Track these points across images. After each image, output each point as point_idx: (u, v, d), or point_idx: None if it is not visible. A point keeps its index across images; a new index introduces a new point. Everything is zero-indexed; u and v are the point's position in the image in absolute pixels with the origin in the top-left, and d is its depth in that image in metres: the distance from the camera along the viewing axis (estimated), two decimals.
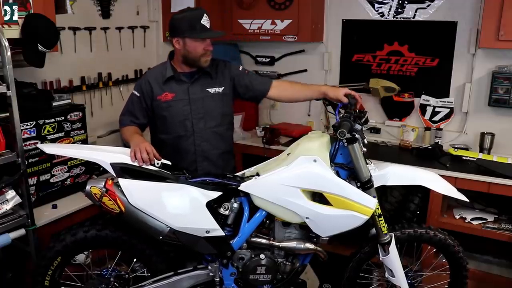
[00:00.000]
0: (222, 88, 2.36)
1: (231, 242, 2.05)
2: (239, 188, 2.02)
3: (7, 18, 2.08)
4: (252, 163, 2.26)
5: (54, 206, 2.37)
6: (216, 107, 2.35)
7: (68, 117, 2.48)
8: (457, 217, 2.94)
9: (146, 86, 2.32)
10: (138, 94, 2.33)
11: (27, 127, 2.26)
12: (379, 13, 3.41)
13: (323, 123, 3.73)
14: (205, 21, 2.19)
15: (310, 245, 2.07)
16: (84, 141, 2.58)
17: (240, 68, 2.44)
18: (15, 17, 2.11)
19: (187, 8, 2.40)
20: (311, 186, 1.95)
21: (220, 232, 1.99)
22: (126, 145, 3.16)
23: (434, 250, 2.35)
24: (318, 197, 1.96)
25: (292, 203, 1.95)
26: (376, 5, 3.40)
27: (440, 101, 3.32)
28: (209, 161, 2.36)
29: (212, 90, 2.34)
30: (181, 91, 2.31)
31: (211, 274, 2.11)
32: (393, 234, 2.12)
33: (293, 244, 2.07)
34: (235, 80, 2.40)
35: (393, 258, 2.11)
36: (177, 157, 2.28)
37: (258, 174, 2.09)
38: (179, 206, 1.95)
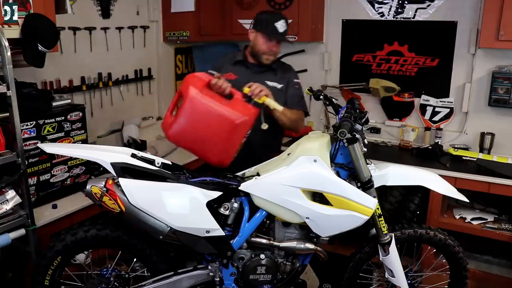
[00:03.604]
0: (281, 85, 2.47)
1: (231, 242, 2.05)
2: (239, 188, 2.02)
3: (7, 18, 2.08)
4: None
5: (54, 206, 2.36)
6: None
7: (68, 117, 2.47)
8: (457, 217, 2.94)
9: (219, 63, 2.56)
10: (213, 73, 2.34)
11: (27, 127, 2.26)
12: (379, 13, 3.41)
13: (323, 123, 3.74)
14: (280, 25, 2.37)
15: (310, 245, 2.07)
16: (84, 141, 2.58)
17: (295, 80, 2.55)
18: (15, 17, 2.10)
19: (273, 10, 2.67)
20: (311, 186, 1.95)
21: (220, 232, 1.99)
22: (126, 144, 3.19)
23: (434, 250, 2.35)
24: (318, 197, 1.96)
25: (292, 203, 1.95)
26: (376, 5, 3.41)
27: (440, 101, 3.33)
28: (246, 149, 2.22)
29: (270, 84, 2.42)
30: (243, 76, 2.44)
31: (211, 274, 2.11)
32: (393, 234, 2.12)
33: (293, 244, 2.07)
34: (287, 85, 2.50)
35: (393, 258, 2.11)
36: None
37: (258, 174, 2.09)
38: (180, 206, 1.94)
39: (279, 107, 2.17)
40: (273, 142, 2.54)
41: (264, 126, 2.18)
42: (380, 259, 2.15)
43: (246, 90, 2.14)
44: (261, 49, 2.43)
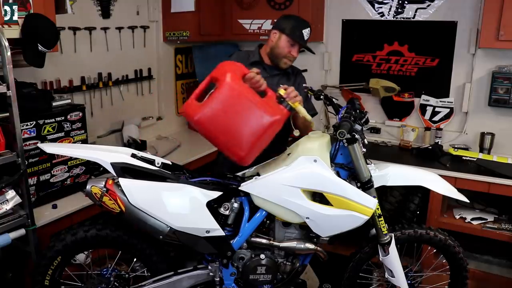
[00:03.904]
0: None
1: (231, 242, 2.05)
2: (239, 188, 2.02)
3: (7, 18, 2.08)
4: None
5: (54, 206, 2.36)
6: None
7: (68, 117, 2.47)
8: (457, 217, 2.94)
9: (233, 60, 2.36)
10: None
11: (27, 127, 2.26)
12: (379, 13, 3.41)
13: (323, 123, 3.74)
14: (306, 33, 2.40)
15: (310, 245, 2.07)
16: (84, 141, 2.58)
17: (304, 84, 2.51)
18: (15, 17, 2.10)
19: (299, 17, 2.56)
20: (311, 186, 1.95)
21: (220, 232, 1.99)
22: (126, 144, 3.19)
23: (434, 250, 2.35)
24: (318, 197, 1.96)
25: (292, 203, 1.95)
26: (376, 5, 3.41)
27: (440, 101, 3.33)
28: None
29: None
30: None
31: (211, 274, 2.11)
32: (393, 235, 2.12)
33: (293, 244, 2.07)
34: (297, 91, 2.39)
35: (393, 259, 2.11)
36: None
37: (258, 174, 2.09)
38: (180, 205, 1.94)
39: (308, 117, 2.09)
40: (282, 146, 2.44)
41: (297, 133, 2.15)
42: (380, 259, 2.15)
43: (282, 91, 2.08)
44: (282, 51, 2.39)
